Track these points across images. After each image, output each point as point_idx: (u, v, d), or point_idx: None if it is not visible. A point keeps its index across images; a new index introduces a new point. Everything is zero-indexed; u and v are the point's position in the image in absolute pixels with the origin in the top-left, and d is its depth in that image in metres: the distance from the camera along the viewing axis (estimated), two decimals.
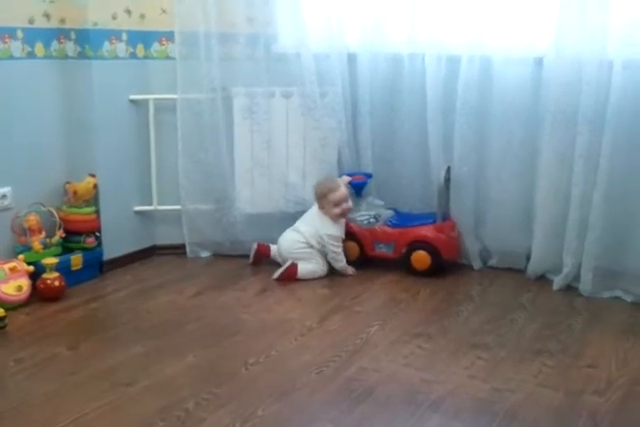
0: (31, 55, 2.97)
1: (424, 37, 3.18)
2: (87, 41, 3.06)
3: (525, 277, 3.16)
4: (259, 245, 3.30)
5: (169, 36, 3.27)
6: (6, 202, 2.95)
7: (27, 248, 2.93)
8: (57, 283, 2.85)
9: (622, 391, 2.18)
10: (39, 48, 3.00)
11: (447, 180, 3.15)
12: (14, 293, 2.75)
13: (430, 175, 3.26)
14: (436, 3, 3.13)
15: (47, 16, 3.00)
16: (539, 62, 2.99)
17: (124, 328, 2.65)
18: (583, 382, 2.24)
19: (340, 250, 3.15)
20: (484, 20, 3.05)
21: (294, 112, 3.31)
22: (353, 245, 3.25)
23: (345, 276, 3.19)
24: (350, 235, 3.24)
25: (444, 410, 2.08)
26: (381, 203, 3.30)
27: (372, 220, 3.24)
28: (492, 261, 3.29)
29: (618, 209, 2.88)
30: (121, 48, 3.19)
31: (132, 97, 3.27)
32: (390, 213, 3.28)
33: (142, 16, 3.24)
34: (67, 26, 3.05)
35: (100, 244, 3.14)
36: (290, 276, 3.10)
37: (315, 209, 3.19)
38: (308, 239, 3.14)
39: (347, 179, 3.27)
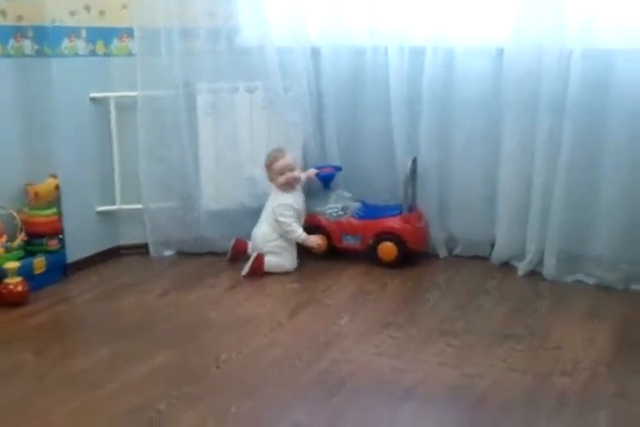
0: None
1: (386, 30, 3.19)
2: (45, 39, 3.00)
3: (490, 264, 3.20)
4: (236, 240, 3.28)
5: (129, 33, 3.21)
6: None
7: None
8: (20, 288, 2.79)
9: (588, 372, 2.24)
10: None
11: (413, 171, 3.17)
12: None
13: (396, 167, 3.27)
14: None
15: (3, 13, 2.92)
16: (500, 53, 3.02)
17: (92, 331, 2.62)
18: (551, 364, 2.29)
19: (289, 220, 3.11)
20: (446, 11, 3.07)
21: (258, 107, 3.29)
22: (321, 238, 3.25)
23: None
24: (318, 227, 3.24)
25: (417, 398, 2.10)
26: (349, 195, 3.32)
27: (339, 212, 3.25)
28: (458, 250, 3.32)
29: (578, 196, 2.94)
30: (80, 45, 3.13)
31: (93, 95, 3.21)
32: (358, 205, 3.29)
33: (102, 12, 3.19)
34: (24, 23, 2.98)
35: (63, 246, 3.08)
36: (258, 267, 3.09)
37: (273, 189, 3.18)
38: (270, 226, 3.13)
39: (313, 171, 3.28)
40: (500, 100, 3.05)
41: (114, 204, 3.34)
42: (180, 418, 2.00)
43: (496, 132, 3.09)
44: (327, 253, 3.27)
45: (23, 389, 2.17)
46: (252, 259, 3.11)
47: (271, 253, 3.13)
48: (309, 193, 3.35)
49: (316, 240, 3.19)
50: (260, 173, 3.26)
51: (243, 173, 3.33)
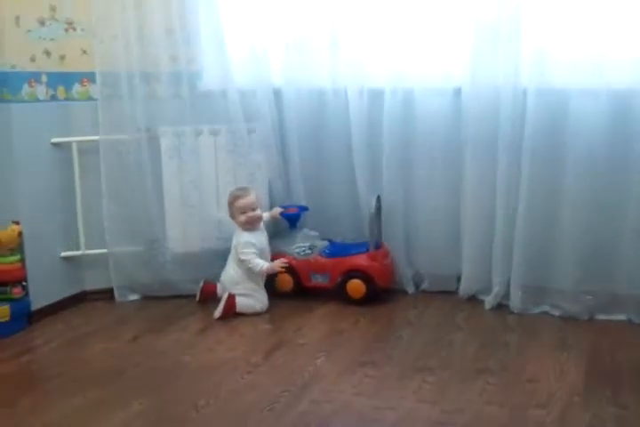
0: None
1: (345, 71, 3.27)
2: (5, 84, 2.97)
3: (458, 298, 3.25)
4: (205, 282, 3.26)
5: (90, 77, 3.22)
6: None
7: None
8: None
9: (563, 403, 2.27)
10: None
11: (378, 208, 3.22)
12: None
13: (360, 205, 3.33)
14: (357, 38, 3.23)
15: None
16: (457, 92, 3.12)
17: (62, 380, 2.54)
18: (526, 396, 2.32)
19: (250, 257, 3.10)
20: (404, 52, 3.16)
21: (222, 149, 3.31)
22: (288, 278, 3.26)
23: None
24: (287, 268, 3.24)
25: None
26: (316, 234, 3.34)
27: (307, 251, 3.27)
28: (425, 285, 3.37)
29: (539, 229, 3.03)
30: (41, 90, 3.12)
31: (54, 140, 3.19)
32: (325, 243, 3.32)
33: (62, 57, 3.18)
34: None
35: (27, 293, 3.01)
36: (230, 308, 3.07)
37: (236, 229, 3.18)
38: (237, 268, 3.13)
39: (277, 210, 3.31)
40: (460, 139, 3.13)
41: (78, 249, 3.29)
42: None
43: (457, 169, 3.17)
44: (296, 292, 3.28)
45: None
46: (223, 300, 3.09)
47: (241, 295, 3.12)
48: (276, 232, 3.37)
49: (279, 263, 3.17)
50: (226, 215, 3.26)
51: (208, 216, 3.32)
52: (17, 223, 3.00)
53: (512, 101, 2.97)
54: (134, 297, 3.36)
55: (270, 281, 3.24)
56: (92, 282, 3.35)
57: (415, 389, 2.39)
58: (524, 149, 2.97)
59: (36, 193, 3.12)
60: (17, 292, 2.96)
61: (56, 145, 3.20)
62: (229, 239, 3.24)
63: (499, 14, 2.94)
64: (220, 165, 3.32)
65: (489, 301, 3.13)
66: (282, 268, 3.17)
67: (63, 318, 3.13)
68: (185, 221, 3.31)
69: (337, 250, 3.29)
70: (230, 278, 3.16)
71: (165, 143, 3.26)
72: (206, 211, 3.32)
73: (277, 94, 3.36)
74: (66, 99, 3.23)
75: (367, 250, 3.21)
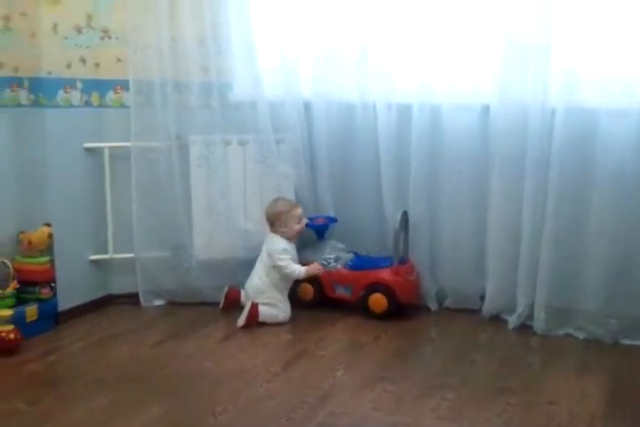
0: None
1: (374, 86, 3.29)
2: (41, 89, 3.05)
3: (481, 317, 3.23)
4: (229, 289, 3.28)
5: (124, 85, 3.28)
6: None
7: None
8: (12, 336, 2.77)
9: (583, 426, 2.24)
10: None
11: (405, 224, 3.22)
12: None
13: (386, 219, 3.33)
14: (386, 52, 3.25)
15: (0, 64, 2.97)
16: (486, 109, 3.13)
17: (85, 381, 2.58)
18: (546, 418, 2.30)
19: (286, 262, 3.13)
20: (433, 67, 3.18)
21: (250, 160, 3.35)
22: (309, 288, 3.28)
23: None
24: (311, 278, 3.25)
25: None
26: (343, 246, 3.35)
27: (333, 262, 3.28)
28: (448, 302, 3.35)
29: (566, 248, 3.00)
30: (75, 96, 3.18)
31: (87, 145, 3.25)
32: (350, 256, 3.33)
33: (97, 65, 3.25)
34: (20, 74, 3.03)
35: (55, 294, 3.06)
36: (253, 316, 3.09)
37: (268, 237, 3.20)
38: (263, 278, 3.14)
39: (305, 221, 3.32)
40: (487, 155, 3.13)
41: (106, 253, 3.34)
42: None
43: (484, 185, 3.17)
44: (318, 302, 3.29)
45: None
46: (246, 308, 3.11)
47: (265, 304, 3.13)
48: (304, 243, 3.38)
49: (315, 267, 3.20)
50: (252, 225, 3.28)
51: (235, 225, 3.35)
52: (48, 225, 3.05)
53: (540, 119, 2.97)
54: (159, 302, 3.40)
55: (293, 291, 3.26)
56: (119, 286, 3.40)
57: (434, 406, 2.37)
58: (552, 166, 2.95)
59: (68, 196, 3.18)
60: (45, 292, 3.02)
61: (88, 150, 3.26)
62: (255, 249, 3.27)
63: (529, 32, 2.95)
64: (248, 174, 3.36)
65: (512, 321, 3.10)
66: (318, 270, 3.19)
67: (89, 320, 3.18)
68: (211, 228, 3.35)
69: (361, 263, 3.29)
70: (255, 287, 3.18)
71: (195, 152, 3.31)
72: (233, 220, 3.36)
73: (307, 106, 3.39)
74: (99, 105, 3.29)
75: (391, 264, 3.21)
